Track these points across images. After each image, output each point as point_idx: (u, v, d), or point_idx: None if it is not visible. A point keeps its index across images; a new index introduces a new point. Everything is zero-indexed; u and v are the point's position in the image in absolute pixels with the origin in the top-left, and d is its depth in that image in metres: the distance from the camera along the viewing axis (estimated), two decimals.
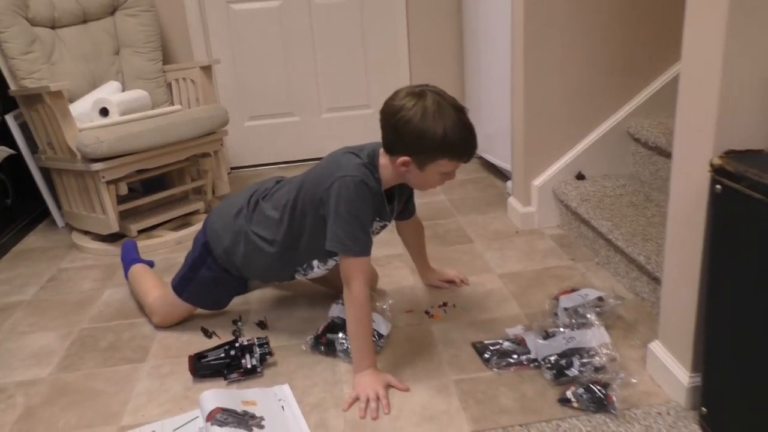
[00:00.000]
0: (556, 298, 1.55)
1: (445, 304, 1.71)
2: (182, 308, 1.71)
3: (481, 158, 3.00)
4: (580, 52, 2.04)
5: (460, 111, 1.36)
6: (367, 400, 1.32)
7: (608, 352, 1.32)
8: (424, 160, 1.35)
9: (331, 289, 1.81)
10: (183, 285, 1.68)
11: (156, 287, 1.79)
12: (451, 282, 1.82)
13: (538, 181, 2.17)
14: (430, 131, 1.31)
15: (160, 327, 1.74)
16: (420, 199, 2.54)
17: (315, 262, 1.54)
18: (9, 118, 2.53)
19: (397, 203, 1.55)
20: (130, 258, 2.00)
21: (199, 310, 1.75)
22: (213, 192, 2.63)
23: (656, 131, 1.98)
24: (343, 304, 1.57)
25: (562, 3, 1.98)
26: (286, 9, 3.04)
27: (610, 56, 2.06)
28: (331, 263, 1.55)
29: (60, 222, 2.69)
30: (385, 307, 1.58)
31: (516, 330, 1.51)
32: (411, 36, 3.11)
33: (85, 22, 2.63)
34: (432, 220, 2.35)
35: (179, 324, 1.74)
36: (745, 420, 1.06)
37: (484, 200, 2.53)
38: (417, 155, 1.35)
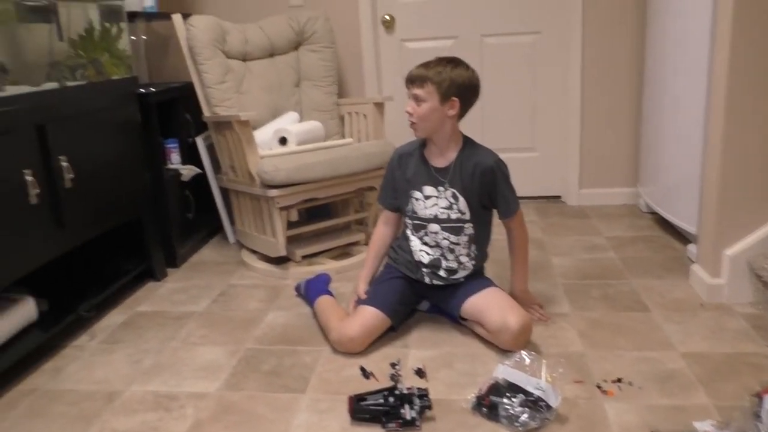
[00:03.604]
0: (759, 396, 1.35)
1: (620, 380, 1.57)
2: (359, 322, 1.79)
3: (655, 214, 2.78)
4: None
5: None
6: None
7: None
8: None
9: (491, 342, 1.75)
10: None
11: (343, 316, 1.89)
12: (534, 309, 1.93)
13: (731, 251, 1.94)
14: None
15: (338, 349, 1.80)
16: (586, 254, 2.43)
17: (416, 193, 1.84)
18: (198, 140, 2.75)
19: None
20: (322, 289, 2.10)
21: (363, 360, 1.77)
22: (374, 224, 2.66)
23: None
24: (510, 366, 1.51)
25: None
26: (457, 48, 3.05)
27: None
28: (427, 190, 1.83)
29: (231, 238, 2.87)
30: (554, 375, 1.48)
31: (706, 426, 1.34)
32: (585, 81, 2.98)
33: (272, 56, 2.81)
34: (601, 279, 2.20)
35: (340, 361, 1.76)
36: None
37: (660, 263, 2.32)
38: None
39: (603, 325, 1.86)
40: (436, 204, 1.83)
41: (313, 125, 2.67)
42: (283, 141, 2.54)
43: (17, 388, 1.71)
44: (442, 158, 1.83)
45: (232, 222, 2.79)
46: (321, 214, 2.71)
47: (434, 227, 1.84)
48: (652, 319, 1.89)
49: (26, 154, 1.74)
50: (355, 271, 2.40)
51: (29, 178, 1.72)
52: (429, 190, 1.84)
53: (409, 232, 1.91)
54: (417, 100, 1.77)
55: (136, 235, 2.37)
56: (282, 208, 2.34)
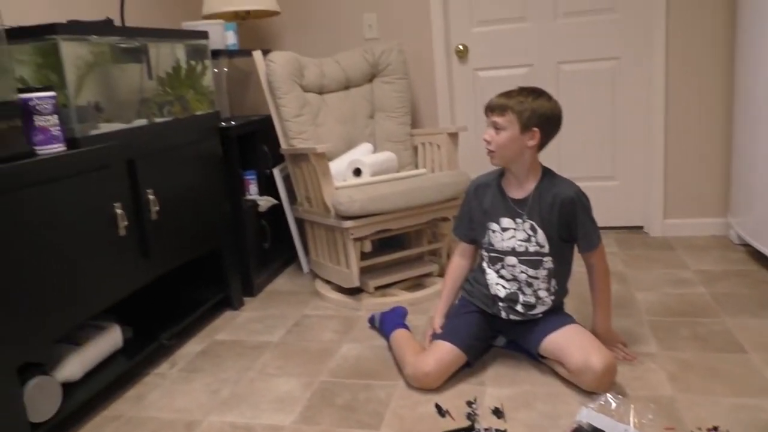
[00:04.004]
0: None
1: (716, 429, 1.46)
2: (435, 357, 1.75)
3: (748, 246, 2.61)
4: None
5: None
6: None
7: None
8: None
9: (572, 382, 1.67)
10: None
11: (418, 350, 1.85)
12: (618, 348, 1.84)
13: None
14: None
15: (413, 385, 1.77)
16: (672, 289, 2.30)
17: (493, 225, 1.82)
18: (275, 172, 2.82)
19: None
20: (398, 322, 2.08)
21: (439, 396, 1.73)
22: (448, 256, 2.63)
23: None
24: (594, 409, 1.43)
25: None
26: (532, 76, 3.01)
27: None
28: (504, 222, 1.80)
29: (305, 268, 2.90)
30: (644, 421, 1.39)
31: None
32: (669, 105, 2.85)
33: (347, 88, 2.86)
34: (690, 317, 2.07)
35: (415, 397, 1.73)
36: None
37: (756, 299, 2.16)
38: None
39: (695, 367, 1.75)
40: (514, 236, 1.79)
41: (386, 156, 2.68)
42: (357, 172, 2.57)
43: (102, 414, 1.78)
44: (520, 189, 1.80)
45: (306, 252, 2.83)
46: (393, 245, 2.71)
47: (511, 260, 1.79)
48: (750, 362, 1.76)
49: (117, 187, 1.82)
50: (428, 303, 2.37)
51: (119, 211, 1.81)
52: (506, 221, 1.80)
53: (485, 264, 1.87)
54: (496, 127, 1.74)
55: (215, 265, 2.44)
56: (356, 239, 2.34)
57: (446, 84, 3.10)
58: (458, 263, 1.98)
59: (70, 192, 1.63)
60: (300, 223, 2.80)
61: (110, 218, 1.79)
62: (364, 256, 2.44)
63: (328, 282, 2.63)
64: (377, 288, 2.49)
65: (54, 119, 1.61)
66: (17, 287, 1.47)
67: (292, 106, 2.62)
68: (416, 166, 2.83)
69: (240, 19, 2.98)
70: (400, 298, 2.43)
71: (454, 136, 2.64)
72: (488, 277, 1.85)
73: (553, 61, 2.99)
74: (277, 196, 2.81)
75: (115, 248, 1.81)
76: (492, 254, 1.83)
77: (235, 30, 2.82)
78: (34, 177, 1.53)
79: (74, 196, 1.65)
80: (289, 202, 2.83)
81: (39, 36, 1.71)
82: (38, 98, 1.58)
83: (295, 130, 2.62)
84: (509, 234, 1.79)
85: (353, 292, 2.48)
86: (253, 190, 2.72)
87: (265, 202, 2.71)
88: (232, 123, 2.57)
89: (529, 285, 1.79)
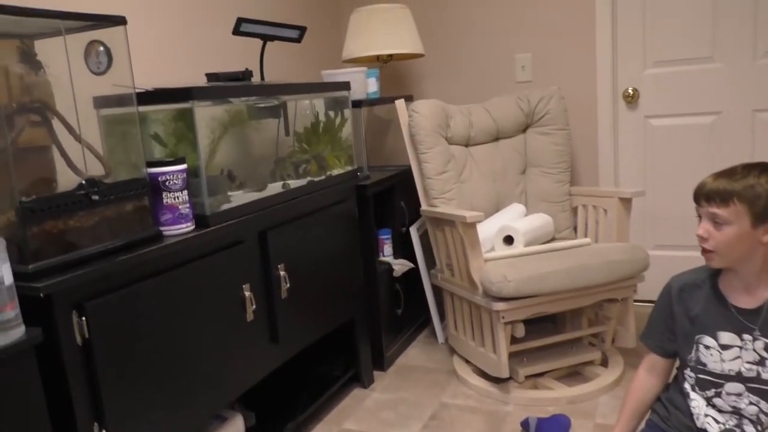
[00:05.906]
0: None
1: None
2: None
3: None
4: None
5: None
6: None
7: None
8: None
9: None
10: None
11: None
12: None
13: None
14: None
15: None
16: None
17: (706, 339, 1.40)
18: (412, 231, 2.55)
19: None
20: None
21: None
22: (612, 341, 2.22)
23: None
24: None
25: None
26: (720, 126, 2.53)
27: None
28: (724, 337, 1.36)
29: (440, 338, 2.60)
30: None
31: None
32: None
33: (496, 140, 2.54)
34: None
35: None
36: None
37: None
38: None
39: None
40: (739, 356, 1.36)
41: (542, 221, 2.32)
42: (508, 240, 2.23)
43: None
44: (749, 297, 1.37)
45: (442, 319, 2.53)
46: (546, 323, 2.34)
47: (735, 387, 1.37)
48: None
49: (246, 266, 1.62)
50: (590, 402, 1.99)
51: (247, 293, 1.60)
52: (727, 337, 1.38)
53: (688, 387, 1.45)
54: (715, 221, 1.34)
55: (345, 335, 2.20)
56: (507, 323, 2.01)
57: (610, 133, 2.69)
58: (645, 380, 1.57)
59: (196, 276, 1.44)
60: (437, 289, 2.51)
61: (238, 302, 1.58)
62: (514, 340, 2.09)
63: (467, 361, 2.30)
64: (528, 377, 2.13)
65: (183, 195, 1.43)
66: (137, 387, 1.28)
67: (436, 162, 2.34)
68: (575, 231, 2.45)
69: (381, 62, 2.77)
70: (557, 393, 2.05)
71: (626, 201, 2.23)
72: (693, 404, 1.43)
73: (747, 108, 2.49)
74: (412, 257, 2.54)
75: (243, 336, 1.60)
76: (702, 376, 1.42)
77: (377, 77, 2.59)
78: (160, 265, 1.35)
79: (200, 280, 1.45)
80: (425, 264, 2.54)
81: (175, 99, 1.55)
82: (168, 173, 1.41)
83: (438, 188, 2.33)
84: (732, 353, 1.37)
85: (499, 379, 2.14)
86: (387, 251, 2.47)
87: (400, 267, 2.44)
88: (368, 177, 2.34)
89: (757, 423, 1.35)
